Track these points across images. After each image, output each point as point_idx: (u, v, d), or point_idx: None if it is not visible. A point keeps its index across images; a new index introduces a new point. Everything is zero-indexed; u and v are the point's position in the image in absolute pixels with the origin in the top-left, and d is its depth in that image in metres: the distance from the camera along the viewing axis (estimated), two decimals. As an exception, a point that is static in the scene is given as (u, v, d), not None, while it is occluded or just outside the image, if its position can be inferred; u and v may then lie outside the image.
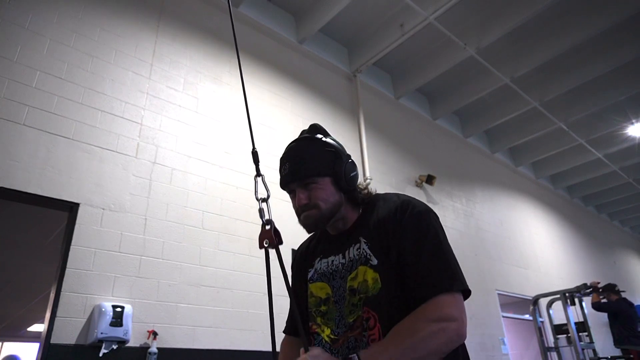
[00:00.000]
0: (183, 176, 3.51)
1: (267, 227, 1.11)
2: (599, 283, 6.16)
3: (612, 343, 6.52)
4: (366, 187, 1.26)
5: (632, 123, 7.26)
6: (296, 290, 1.32)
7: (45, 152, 2.88)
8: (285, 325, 1.40)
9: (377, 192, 1.29)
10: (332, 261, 1.22)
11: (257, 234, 3.80)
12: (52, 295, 2.68)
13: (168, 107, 3.66)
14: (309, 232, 1.27)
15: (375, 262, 1.11)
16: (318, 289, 1.23)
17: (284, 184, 1.21)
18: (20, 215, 4.50)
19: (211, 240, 3.47)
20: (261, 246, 1.11)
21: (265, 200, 1.13)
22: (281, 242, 1.11)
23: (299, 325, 1.06)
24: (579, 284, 5.99)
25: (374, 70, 5.97)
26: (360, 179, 1.27)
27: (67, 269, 2.71)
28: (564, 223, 9.28)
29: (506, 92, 6.33)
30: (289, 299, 1.17)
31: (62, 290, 2.66)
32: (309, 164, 1.16)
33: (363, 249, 1.14)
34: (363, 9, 5.12)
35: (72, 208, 2.91)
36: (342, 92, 5.46)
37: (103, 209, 3.01)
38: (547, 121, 6.91)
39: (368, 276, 1.11)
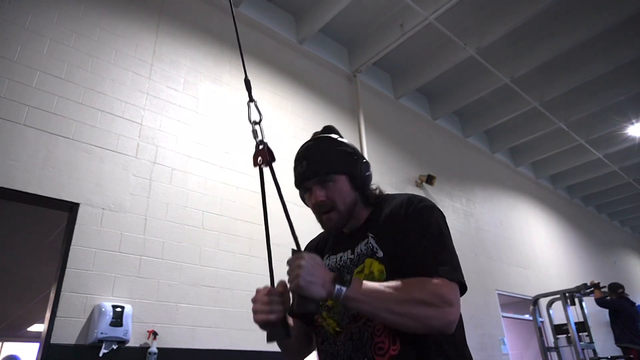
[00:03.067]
0: (183, 176, 3.51)
1: (261, 147, 1.16)
2: (599, 283, 6.17)
3: (612, 343, 6.52)
4: (377, 187, 1.28)
5: (632, 123, 7.26)
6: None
7: (45, 152, 2.88)
8: None
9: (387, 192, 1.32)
10: (341, 257, 1.24)
11: (257, 234, 3.79)
12: (52, 295, 2.68)
13: (168, 107, 3.66)
14: (328, 233, 1.33)
15: (381, 254, 1.12)
16: None
17: (299, 182, 1.21)
18: (20, 215, 4.50)
19: (211, 240, 3.47)
20: (255, 164, 1.16)
21: (258, 122, 1.17)
22: (274, 160, 1.15)
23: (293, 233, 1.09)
24: (579, 284, 6.00)
25: (374, 70, 5.97)
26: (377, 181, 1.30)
27: (67, 269, 2.71)
28: (564, 223, 9.28)
29: (506, 92, 6.33)
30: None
31: (62, 290, 2.66)
32: (326, 161, 1.18)
33: (370, 243, 1.16)
34: (363, 9, 5.12)
35: (72, 208, 2.91)
36: (342, 92, 5.46)
37: (103, 209, 3.01)
38: (547, 121, 6.91)
39: (374, 268, 1.11)
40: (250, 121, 1.17)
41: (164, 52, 3.83)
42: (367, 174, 1.22)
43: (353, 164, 1.19)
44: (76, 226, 2.84)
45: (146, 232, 3.15)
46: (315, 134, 1.30)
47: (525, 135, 7.45)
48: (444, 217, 1.15)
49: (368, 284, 0.99)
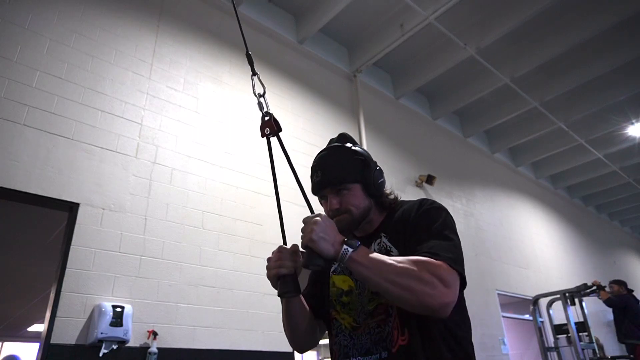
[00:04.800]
0: (183, 176, 3.51)
1: (267, 118, 1.23)
2: (600, 283, 6.17)
3: (613, 343, 6.51)
4: (392, 193, 1.34)
5: (632, 123, 7.25)
6: (318, 280, 1.38)
7: (45, 152, 2.88)
8: None
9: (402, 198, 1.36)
10: None
11: (257, 234, 3.78)
12: (52, 295, 2.68)
13: (168, 107, 3.66)
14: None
15: (395, 252, 1.17)
16: (340, 281, 1.29)
17: (316, 190, 1.28)
18: (20, 215, 4.50)
19: (211, 240, 3.47)
20: (263, 135, 1.23)
21: (262, 95, 1.24)
22: (280, 129, 1.22)
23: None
24: (579, 284, 5.98)
25: (374, 70, 5.97)
26: (387, 185, 1.35)
27: (67, 269, 2.71)
28: (564, 223, 9.28)
29: (506, 92, 6.32)
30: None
31: (62, 290, 2.66)
32: (341, 171, 1.23)
33: (383, 242, 1.22)
34: (363, 9, 5.12)
35: (72, 208, 2.90)
36: (342, 92, 5.46)
37: (103, 209, 3.01)
38: (547, 121, 6.91)
39: None
40: (255, 94, 1.24)
41: (164, 52, 3.83)
42: (380, 181, 1.28)
43: (366, 172, 1.25)
44: (76, 226, 2.84)
45: (146, 232, 3.15)
46: (331, 141, 1.35)
47: (525, 135, 7.45)
48: (451, 217, 1.20)
49: (374, 253, 1.04)
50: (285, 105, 4.63)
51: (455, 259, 1.07)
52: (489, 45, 5.31)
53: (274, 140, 1.22)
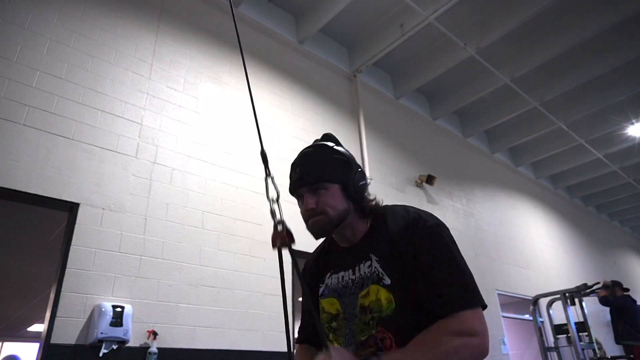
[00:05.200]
0: (183, 176, 3.51)
1: (280, 228, 1.10)
2: (609, 283, 6.20)
3: (613, 343, 6.52)
4: (374, 198, 1.26)
5: (632, 123, 7.26)
6: (307, 304, 1.31)
7: (45, 152, 2.88)
8: (298, 334, 1.38)
9: (384, 202, 1.29)
10: (342, 277, 1.22)
11: (257, 234, 3.78)
12: (52, 295, 2.68)
13: (168, 107, 3.66)
14: (316, 238, 1.26)
15: (388, 281, 1.10)
16: (329, 305, 1.23)
17: (293, 189, 1.22)
18: (20, 215, 4.50)
19: (211, 240, 3.47)
20: (274, 246, 1.10)
21: (276, 200, 1.10)
22: (294, 241, 1.10)
23: (317, 324, 1.06)
24: (579, 284, 5.98)
25: (374, 70, 5.97)
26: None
27: (67, 269, 2.72)
28: (564, 223, 9.28)
29: (506, 92, 6.33)
30: (297, 303, 1.16)
31: (62, 290, 2.66)
32: (319, 169, 1.17)
33: (375, 267, 1.14)
34: (363, 9, 5.12)
35: (72, 208, 2.91)
36: (342, 92, 5.46)
37: (103, 209, 3.01)
38: (547, 121, 6.91)
39: (381, 295, 1.10)
40: (268, 199, 1.10)
41: (164, 52, 3.83)
42: (360, 183, 1.20)
43: (346, 173, 1.18)
44: (76, 226, 2.84)
45: (146, 232, 3.15)
46: (315, 141, 1.29)
47: (525, 135, 7.45)
48: (449, 233, 1.13)
49: (398, 357, 0.98)
50: (285, 105, 4.63)
51: (472, 296, 1.02)
52: (489, 45, 5.32)
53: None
